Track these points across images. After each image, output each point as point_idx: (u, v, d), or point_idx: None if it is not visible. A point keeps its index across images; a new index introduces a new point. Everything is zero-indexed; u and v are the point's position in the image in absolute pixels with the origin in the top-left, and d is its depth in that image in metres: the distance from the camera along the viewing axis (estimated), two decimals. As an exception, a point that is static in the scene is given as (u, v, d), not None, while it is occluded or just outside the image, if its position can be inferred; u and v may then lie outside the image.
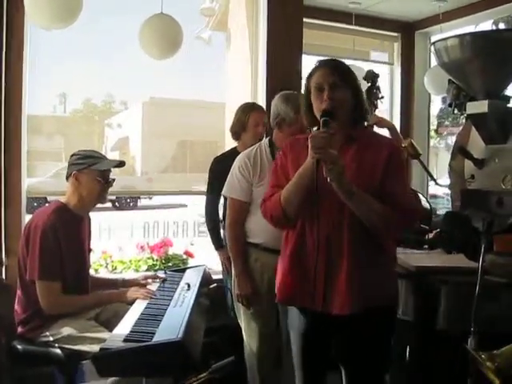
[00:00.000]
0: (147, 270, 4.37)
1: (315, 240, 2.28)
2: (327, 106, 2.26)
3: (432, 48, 3.09)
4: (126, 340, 2.30)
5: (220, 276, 4.00)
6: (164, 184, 4.99)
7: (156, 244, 4.51)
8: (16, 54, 3.65)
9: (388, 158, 2.29)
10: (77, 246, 3.04)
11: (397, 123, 5.53)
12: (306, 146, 2.20)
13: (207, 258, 4.64)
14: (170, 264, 4.47)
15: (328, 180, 2.14)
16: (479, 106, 2.93)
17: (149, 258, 4.44)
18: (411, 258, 3.13)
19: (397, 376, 3.06)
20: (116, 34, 4.61)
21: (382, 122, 4.10)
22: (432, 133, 7.87)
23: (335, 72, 2.30)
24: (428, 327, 2.79)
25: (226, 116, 4.82)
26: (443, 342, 2.80)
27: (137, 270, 4.36)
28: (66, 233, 2.92)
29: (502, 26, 3.34)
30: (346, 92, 2.31)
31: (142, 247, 4.50)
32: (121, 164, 3.12)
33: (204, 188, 3.95)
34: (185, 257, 4.58)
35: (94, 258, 4.18)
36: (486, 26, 5.35)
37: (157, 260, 4.44)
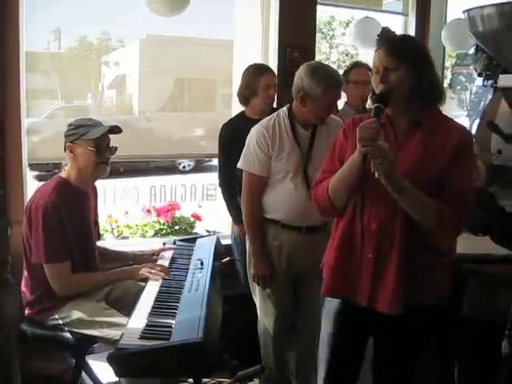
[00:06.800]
0: (154, 234, 4.26)
1: (364, 230, 2.16)
2: (381, 90, 2.08)
3: (465, 15, 2.89)
4: (142, 337, 2.19)
5: (229, 241, 3.90)
6: (163, 124, 4.74)
7: (163, 207, 4.38)
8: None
9: (457, 147, 2.08)
10: (82, 222, 2.90)
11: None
12: None
13: (215, 222, 4.55)
14: (176, 228, 4.35)
15: (375, 175, 1.99)
16: (513, 80, 2.76)
17: (155, 222, 4.31)
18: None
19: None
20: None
21: None
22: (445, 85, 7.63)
23: (390, 52, 2.09)
24: (452, 314, 2.69)
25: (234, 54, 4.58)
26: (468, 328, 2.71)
27: (143, 235, 4.24)
28: (69, 210, 2.77)
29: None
30: (403, 74, 2.07)
31: (148, 211, 4.36)
32: (115, 129, 2.88)
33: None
34: (192, 220, 4.45)
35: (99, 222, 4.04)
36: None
37: (164, 224, 4.31)
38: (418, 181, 2.05)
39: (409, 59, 2.09)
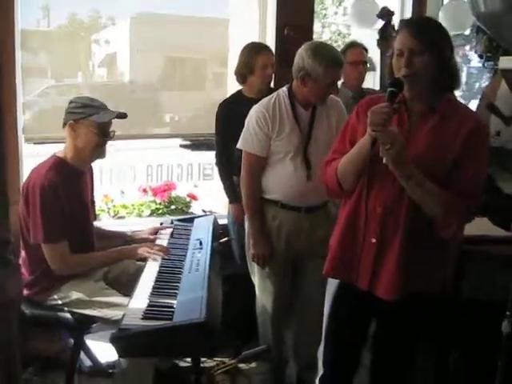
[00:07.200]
0: (150, 214, 4.25)
1: (368, 214, 2.15)
2: (405, 73, 2.03)
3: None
4: (144, 317, 2.19)
5: (225, 221, 3.90)
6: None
7: (159, 187, 4.35)
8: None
9: (469, 135, 2.05)
10: (79, 202, 2.88)
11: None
12: None
13: (211, 201, 4.54)
14: (173, 207, 4.34)
15: (383, 161, 1.98)
16: (514, 61, 2.75)
17: (152, 202, 4.29)
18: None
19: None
20: None
21: None
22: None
23: (417, 36, 2.02)
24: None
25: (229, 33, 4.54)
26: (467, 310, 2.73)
27: (140, 215, 4.22)
28: (67, 189, 2.75)
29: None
30: (428, 58, 2.02)
31: (144, 190, 4.34)
32: (122, 115, 2.86)
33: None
34: (188, 200, 4.44)
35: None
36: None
37: (160, 203, 4.30)
38: (428, 167, 2.04)
39: (435, 44, 2.05)
